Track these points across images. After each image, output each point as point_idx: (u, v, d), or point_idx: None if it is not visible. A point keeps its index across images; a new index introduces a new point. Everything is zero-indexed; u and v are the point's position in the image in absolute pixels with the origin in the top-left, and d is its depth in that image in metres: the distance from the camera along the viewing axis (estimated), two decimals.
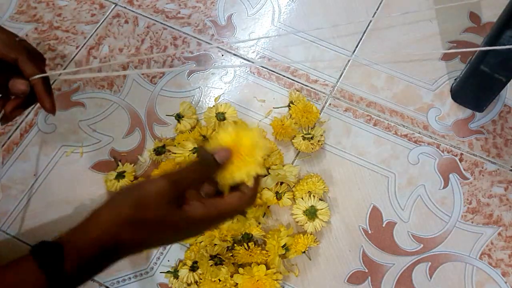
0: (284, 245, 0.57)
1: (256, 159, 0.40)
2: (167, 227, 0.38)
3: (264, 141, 0.41)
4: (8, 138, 0.67)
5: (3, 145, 0.66)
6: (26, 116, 0.68)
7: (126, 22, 0.75)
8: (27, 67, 0.46)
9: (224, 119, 0.65)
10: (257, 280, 0.55)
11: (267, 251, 0.57)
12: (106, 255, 0.37)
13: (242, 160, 0.40)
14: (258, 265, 0.56)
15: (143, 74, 0.71)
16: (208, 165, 0.40)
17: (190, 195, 0.39)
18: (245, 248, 0.57)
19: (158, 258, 0.60)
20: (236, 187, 0.41)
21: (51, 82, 0.49)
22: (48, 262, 0.35)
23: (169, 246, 0.61)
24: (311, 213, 0.59)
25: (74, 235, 0.37)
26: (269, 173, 0.61)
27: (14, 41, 0.47)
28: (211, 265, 0.56)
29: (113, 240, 0.36)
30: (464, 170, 0.65)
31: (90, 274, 0.38)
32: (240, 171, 0.40)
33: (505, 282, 0.59)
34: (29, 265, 0.35)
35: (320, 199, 0.61)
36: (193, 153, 0.61)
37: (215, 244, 0.57)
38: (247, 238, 0.59)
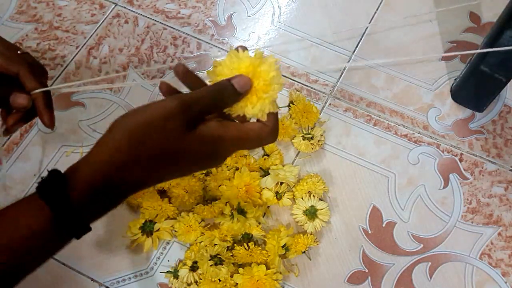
0: (284, 245, 0.57)
1: (272, 95, 0.35)
2: (177, 157, 0.34)
3: (280, 76, 0.36)
4: (8, 138, 0.67)
5: (3, 145, 0.66)
6: None
7: (126, 22, 0.75)
8: (28, 81, 0.45)
9: None
10: (257, 280, 0.55)
11: (267, 251, 0.57)
12: (110, 192, 0.33)
13: (257, 95, 0.35)
14: (258, 265, 0.56)
15: (143, 74, 0.71)
16: (225, 92, 0.34)
17: (204, 119, 0.35)
18: (245, 248, 0.57)
19: (158, 258, 0.60)
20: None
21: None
22: (50, 192, 0.32)
23: (171, 242, 0.61)
24: (311, 213, 0.59)
25: (78, 166, 0.34)
26: (269, 173, 0.61)
27: (16, 54, 0.46)
28: (211, 265, 0.56)
29: (114, 179, 0.33)
30: (464, 170, 0.65)
31: (99, 209, 0.34)
32: (254, 106, 0.35)
33: (505, 282, 0.59)
34: (31, 198, 0.32)
35: (320, 199, 0.61)
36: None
37: (215, 244, 0.57)
38: (247, 238, 0.59)
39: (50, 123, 0.47)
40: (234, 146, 0.36)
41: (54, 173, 0.33)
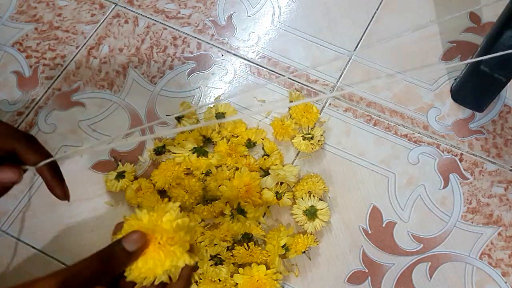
0: (284, 245, 0.57)
1: (181, 244, 0.30)
2: None
3: (187, 219, 0.32)
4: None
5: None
6: (26, 116, 0.68)
7: (126, 22, 0.75)
8: (28, 155, 0.40)
9: (224, 118, 0.65)
10: (257, 280, 0.55)
11: (267, 251, 0.57)
12: None
13: (163, 250, 0.30)
14: (258, 265, 0.56)
15: (143, 73, 0.71)
16: (113, 256, 0.30)
17: None
18: (245, 248, 0.57)
19: None
20: None
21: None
22: None
23: None
24: (311, 213, 0.59)
25: None
26: (269, 173, 0.61)
27: (9, 129, 0.41)
28: (211, 265, 0.56)
29: None
30: (464, 170, 0.65)
31: None
32: (161, 264, 0.30)
33: (505, 282, 0.59)
34: None
35: (320, 199, 0.61)
36: (193, 153, 0.61)
37: (215, 244, 0.57)
38: (247, 238, 0.59)
39: (64, 195, 0.42)
40: None
41: None
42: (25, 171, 0.41)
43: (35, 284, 0.29)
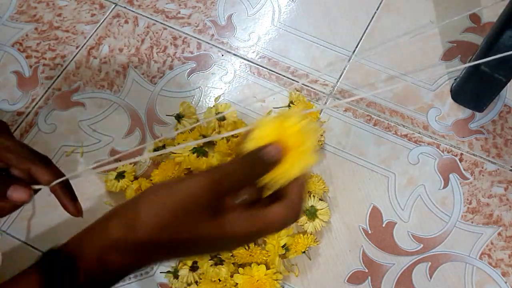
0: (284, 245, 0.57)
1: (308, 145, 0.32)
2: (196, 243, 0.31)
3: (311, 123, 0.33)
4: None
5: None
6: (26, 116, 0.68)
7: (126, 22, 0.75)
8: (43, 175, 0.41)
9: (224, 119, 0.65)
10: (257, 280, 0.55)
11: (267, 251, 0.57)
12: (119, 272, 0.31)
13: (292, 154, 0.32)
14: (258, 265, 0.56)
15: (143, 74, 0.71)
16: (257, 164, 0.31)
17: (229, 202, 0.31)
18: (245, 248, 0.57)
19: None
20: (276, 194, 0.33)
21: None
22: (58, 280, 0.30)
23: None
24: (311, 213, 0.59)
25: (86, 240, 0.31)
26: None
27: (25, 150, 0.43)
28: (211, 265, 0.56)
29: (126, 260, 0.30)
30: (464, 170, 0.65)
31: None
32: (295, 166, 0.32)
33: (505, 282, 0.59)
34: (34, 282, 0.30)
35: (320, 199, 0.61)
36: (193, 153, 0.61)
37: None
38: None
39: (77, 212, 0.44)
40: (255, 238, 0.34)
41: (57, 254, 0.31)
42: (36, 191, 0.42)
43: (187, 181, 0.31)
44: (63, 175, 0.43)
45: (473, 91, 0.66)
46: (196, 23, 0.75)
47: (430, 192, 0.64)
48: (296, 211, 0.32)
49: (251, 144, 0.32)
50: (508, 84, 0.61)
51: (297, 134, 0.32)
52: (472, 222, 0.62)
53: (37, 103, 0.69)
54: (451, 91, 0.69)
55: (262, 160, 0.31)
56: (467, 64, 0.42)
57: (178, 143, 0.63)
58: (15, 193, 0.40)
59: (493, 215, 0.62)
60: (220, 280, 0.56)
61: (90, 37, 0.74)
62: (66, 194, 0.43)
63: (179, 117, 0.65)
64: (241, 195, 0.32)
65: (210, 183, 0.30)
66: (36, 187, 0.42)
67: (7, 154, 0.41)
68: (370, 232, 0.62)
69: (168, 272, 0.58)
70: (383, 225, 0.62)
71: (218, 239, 0.31)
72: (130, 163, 0.64)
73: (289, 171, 0.32)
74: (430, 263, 0.60)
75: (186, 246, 0.31)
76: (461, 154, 0.66)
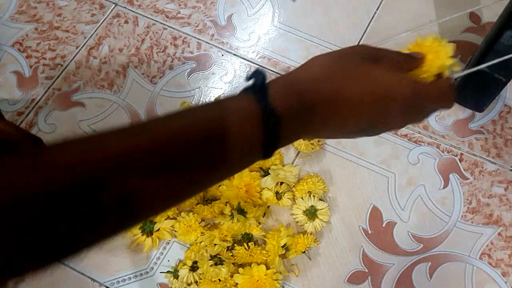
0: (284, 245, 0.57)
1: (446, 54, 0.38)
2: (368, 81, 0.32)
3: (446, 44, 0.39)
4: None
5: None
6: (26, 116, 0.68)
7: (126, 22, 0.75)
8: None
9: None
10: (257, 280, 0.55)
11: (267, 251, 0.57)
12: (306, 105, 0.31)
13: (433, 53, 0.39)
14: (258, 265, 0.56)
15: (143, 73, 0.71)
16: (407, 55, 0.37)
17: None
18: (245, 248, 0.57)
19: (158, 258, 0.60)
20: None
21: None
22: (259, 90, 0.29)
23: (171, 242, 0.61)
24: (311, 213, 0.59)
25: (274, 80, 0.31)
26: (269, 173, 0.61)
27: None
28: (211, 265, 0.56)
29: (309, 91, 0.31)
30: (464, 170, 0.65)
31: (295, 127, 0.31)
32: (436, 62, 0.38)
33: (505, 282, 0.59)
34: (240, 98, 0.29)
35: (320, 199, 0.61)
36: None
37: (215, 244, 0.57)
38: (247, 238, 0.59)
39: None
40: (415, 99, 0.35)
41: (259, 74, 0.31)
42: None
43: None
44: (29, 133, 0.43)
45: (473, 91, 0.66)
46: (196, 23, 0.75)
47: (430, 192, 0.64)
48: (449, 86, 0.36)
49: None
50: (508, 84, 0.61)
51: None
52: (472, 222, 0.62)
53: (37, 103, 0.69)
54: None
55: (409, 55, 0.37)
56: (471, 70, 0.43)
57: None
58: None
59: (493, 215, 0.62)
60: (220, 280, 0.56)
61: (90, 37, 0.74)
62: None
63: None
64: None
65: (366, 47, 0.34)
66: None
67: None
68: (370, 232, 0.62)
69: (168, 272, 0.58)
70: (383, 225, 0.62)
71: (380, 86, 0.32)
72: None
73: (434, 65, 0.37)
74: (430, 263, 0.60)
75: (359, 79, 0.32)
76: (461, 154, 0.66)
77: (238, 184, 0.59)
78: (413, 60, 0.37)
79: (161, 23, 0.75)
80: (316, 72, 0.33)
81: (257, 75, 0.30)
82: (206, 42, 0.73)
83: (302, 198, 0.60)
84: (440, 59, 0.39)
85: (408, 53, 0.38)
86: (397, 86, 0.33)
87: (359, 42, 0.73)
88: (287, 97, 0.30)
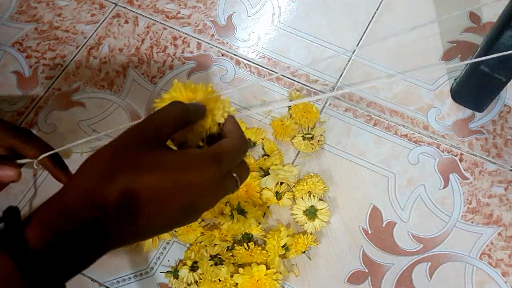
0: (284, 245, 0.57)
1: (217, 99, 0.37)
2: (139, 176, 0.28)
3: (206, 88, 0.38)
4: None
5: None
6: (26, 116, 0.68)
7: (126, 22, 0.75)
8: (27, 150, 0.41)
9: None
10: (257, 280, 0.55)
11: (267, 251, 0.57)
12: (87, 235, 0.27)
13: (211, 106, 0.37)
14: (258, 265, 0.56)
15: (143, 73, 0.71)
16: (189, 109, 0.34)
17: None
18: (245, 248, 0.57)
19: (158, 258, 0.60)
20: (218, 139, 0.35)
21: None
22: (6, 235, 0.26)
23: (171, 242, 0.61)
24: (311, 213, 0.59)
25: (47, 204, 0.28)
26: (269, 173, 0.61)
27: (5, 126, 0.41)
28: (211, 265, 0.56)
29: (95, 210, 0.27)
30: (464, 170, 0.65)
31: (73, 258, 0.28)
32: (216, 115, 0.36)
33: (505, 282, 0.59)
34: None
35: (320, 199, 0.61)
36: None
37: (215, 244, 0.57)
38: (247, 238, 0.59)
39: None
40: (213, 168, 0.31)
41: (9, 211, 0.28)
42: (21, 166, 0.41)
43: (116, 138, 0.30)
44: (49, 146, 0.42)
45: (473, 91, 0.66)
46: (196, 23, 0.75)
47: (430, 192, 0.64)
48: (241, 138, 0.34)
49: (163, 102, 0.36)
50: (508, 84, 0.61)
51: (205, 94, 0.37)
52: (472, 222, 0.62)
53: (37, 103, 0.69)
54: (451, 91, 0.69)
55: (189, 108, 0.34)
56: (467, 61, 0.42)
57: None
58: (4, 172, 0.40)
59: (493, 215, 0.62)
60: (220, 280, 0.56)
61: (90, 37, 0.74)
62: (56, 165, 0.43)
63: None
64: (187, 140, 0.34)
65: (136, 126, 0.31)
66: (21, 161, 0.41)
67: None
68: (370, 232, 0.62)
69: (168, 272, 0.58)
70: (383, 225, 0.62)
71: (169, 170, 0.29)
72: None
73: (213, 119, 0.36)
74: (430, 263, 0.60)
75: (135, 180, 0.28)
76: (461, 154, 0.66)
77: None
78: (197, 111, 0.35)
79: (161, 23, 0.75)
80: (94, 181, 0.27)
81: (9, 217, 0.27)
82: (206, 42, 0.73)
83: (302, 198, 0.60)
84: (220, 106, 0.37)
85: (193, 103, 0.35)
86: (195, 166, 0.30)
87: (359, 42, 0.73)
88: (60, 234, 0.26)
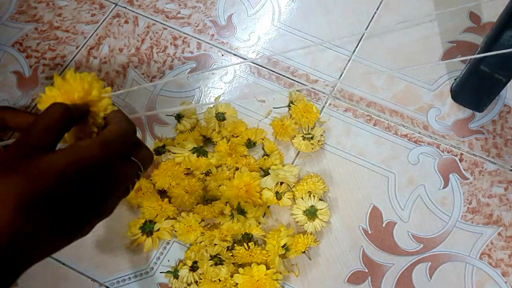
0: (284, 245, 0.57)
1: (96, 91, 0.37)
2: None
3: (86, 74, 0.38)
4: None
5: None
6: None
7: (126, 22, 0.75)
8: (17, 118, 0.42)
9: (224, 119, 0.65)
10: (257, 280, 0.55)
11: (267, 251, 0.57)
12: None
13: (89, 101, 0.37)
14: (258, 265, 0.56)
15: (143, 73, 0.71)
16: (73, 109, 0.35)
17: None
18: (245, 248, 0.57)
19: (158, 258, 0.60)
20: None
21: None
22: None
23: (171, 242, 0.61)
24: (311, 213, 0.59)
25: None
26: (269, 173, 0.61)
27: None
28: (211, 265, 0.56)
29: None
30: (464, 170, 0.65)
31: None
32: (74, 90, 0.36)
33: (505, 282, 0.59)
34: None
35: (320, 199, 0.61)
36: (193, 153, 0.61)
37: (215, 244, 0.57)
38: (247, 238, 0.59)
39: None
40: (107, 155, 0.33)
41: None
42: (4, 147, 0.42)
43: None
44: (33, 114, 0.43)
45: (473, 91, 0.66)
46: (196, 23, 0.75)
47: (430, 192, 0.64)
48: (126, 120, 0.36)
49: (43, 104, 0.37)
50: (508, 84, 0.61)
51: (83, 87, 0.37)
52: (472, 222, 0.62)
53: (37, 103, 0.69)
54: (451, 91, 0.69)
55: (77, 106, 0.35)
56: (466, 57, 0.42)
57: (178, 143, 0.63)
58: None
59: (493, 215, 0.62)
60: (220, 280, 0.56)
61: (90, 37, 0.74)
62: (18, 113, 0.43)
63: (179, 117, 0.65)
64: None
65: (24, 136, 0.32)
66: (2, 143, 0.42)
67: None
68: (370, 232, 0.62)
69: (168, 272, 0.58)
70: (383, 225, 0.62)
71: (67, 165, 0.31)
72: None
73: (68, 94, 0.36)
74: (430, 263, 0.60)
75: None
76: (461, 154, 0.66)
77: (238, 184, 0.59)
78: (79, 110, 0.35)
79: (161, 23, 0.75)
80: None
81: None
82: (206, 42, 0.73)
83: (302, 198, 0.60)
84: (100, 102, 0.37)
85: (74, 105, 0.36)
86: (84, 157, 0.32)
87: (359, 42, 0.73)
88: None
